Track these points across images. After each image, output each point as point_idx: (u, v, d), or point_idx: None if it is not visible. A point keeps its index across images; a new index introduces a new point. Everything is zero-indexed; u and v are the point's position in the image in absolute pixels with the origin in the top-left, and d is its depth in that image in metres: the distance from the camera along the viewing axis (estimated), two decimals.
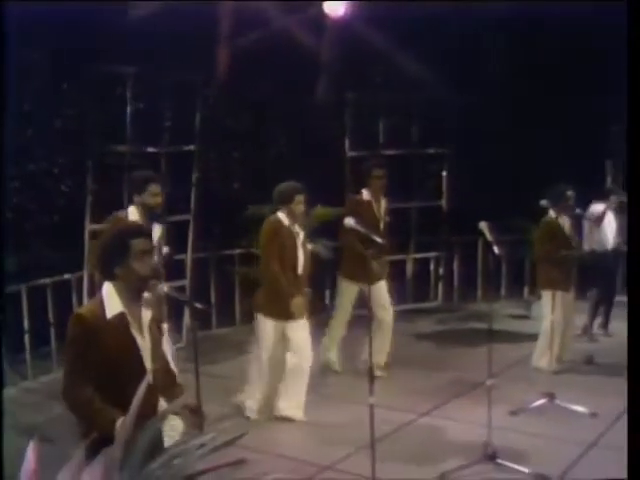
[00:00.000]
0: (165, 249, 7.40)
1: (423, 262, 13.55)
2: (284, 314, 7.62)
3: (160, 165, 10.52)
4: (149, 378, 4.24)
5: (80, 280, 9.68)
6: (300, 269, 7.75)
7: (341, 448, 7.02)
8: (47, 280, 9.41)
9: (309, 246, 8.02)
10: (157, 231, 7.13)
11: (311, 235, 10.99)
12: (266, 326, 7.74)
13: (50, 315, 9.30)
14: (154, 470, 2.61)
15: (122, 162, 10.22)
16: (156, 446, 2.76)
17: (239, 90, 13.51)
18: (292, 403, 7.82)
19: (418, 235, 13.36)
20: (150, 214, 7.20)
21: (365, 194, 9.27)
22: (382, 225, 9.34)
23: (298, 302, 7.61)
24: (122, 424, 2.67)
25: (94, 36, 10.39)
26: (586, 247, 10.65)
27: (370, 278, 8.91)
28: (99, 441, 2.89)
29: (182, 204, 11.13)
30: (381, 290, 9.25)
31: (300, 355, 7.76)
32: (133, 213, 7.24)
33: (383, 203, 9.45)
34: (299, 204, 7.60)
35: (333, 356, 9.48)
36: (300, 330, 7.77)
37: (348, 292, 9.34)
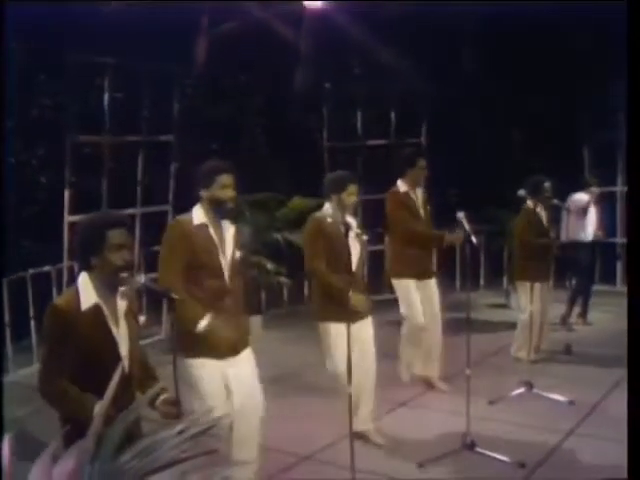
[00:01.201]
0: (237, 254, 6.05)
1: None
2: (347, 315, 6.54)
3: (138, 155, 10.53)
4: (125, 368, 4.25)
5: (60, 272, 9.67)
6: (354, 265, 6.97)
7: (320, 438, 7.05)
8: (27, 272, 9.39)
9: (364, 237, 7.13)
10: (229, 230, 6.03)
11: (288, 225, 11.06)
12: (336, 331, 6.94)
13: (30, 308, 9.28)
14: (126, 462, 2.61)
15: (101, 153, 10.21)
16: (131, 437, 2.76)
17: (217, 80, 13.50)
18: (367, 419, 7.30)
19: None
20: (220, 210, 5.92)
21: (401, 185, 8.72)
22: (423, 215, 8.83)
23: (359, 298, 6.87)
24: (96, 415, 2.67)
25: (73, 27, 10.35)
26: (564, 238, 10.71)
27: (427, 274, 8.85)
28: (73, 432, 2.89)
29: (161, 195, 11.13)
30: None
31: (368, 356, 7.22)
32: (198, 212, 5.97)
33: (420, 194, 8.85)
34: (352, 195, 7.04)
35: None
36: (366, 329, 7.21)
37: (411, 291, 8.77)
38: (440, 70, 13.55)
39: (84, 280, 4.26)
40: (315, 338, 9.41)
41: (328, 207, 7.10)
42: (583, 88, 13.38)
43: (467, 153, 14.37)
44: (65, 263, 9.62)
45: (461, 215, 7.03)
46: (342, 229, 6.73)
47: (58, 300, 4.37)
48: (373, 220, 12.59)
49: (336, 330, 6.85)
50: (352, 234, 6.74)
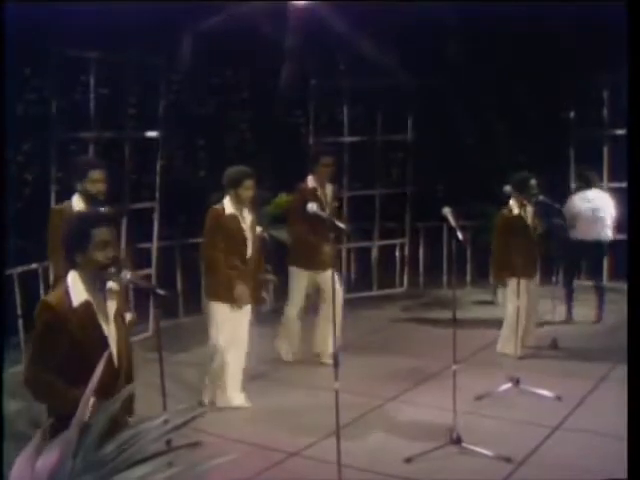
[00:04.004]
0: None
1: (388, 249, 13.59)
2: (230, 299, 7.72)
3: (124, 151, 10.50)
4: (114, 363, 4.25)
5: (47, 270, 9.61)
6: (248, 254, 7.84)
7: (307, 435, 7.04)
8: (14, 270, 9.33)
9: (259, 230, 8.16)
10: None
11: (273, 222, 11.08)
12: (218, 311, 7.78)
13: (18, 305, 9.23)
14: (108, 454, 2.62)
15: (87, 148, 10.16)
16: (112, 429, 2.77)
17: (204, 77, 13.49)
18: (236, 391, 7.94)
19: (383, 221, 13.40)
20: (93, 202, 6.87)
21: (310, 181, 9.22)
22: (328, 212, 9.20)
23: (241, 290, 7.68)
24: (79, 407, 2.67)
25: (59, 22, 10.30)
26: (584, 236, 11.03)
27: (323, 265, 9.00)
28: (58, 425, 2.89)
29: (147, 191, 11.11)
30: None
31: (238, 343, 7.89)
32: (77, 202, 7.09)
33: (329, 190, 9.39)
34: (247, 189, 7.68)
35: (285, 345, 9.48)
36: (240, 317, 7.88)
37: (299, 280, 9.34)
38: (427, 66, 13.54)
39: (73, 277, 4.27)
40: (301, 335, 9.47)
41: (227, 200, 7.74)
42: (569, 84, 13.39)
43: (454, 149, 14.39)
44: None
45: (447, 210, 7.03)
46: (239, 221, 7.71)
47: (48, 297, 4.39)
48: (358, 216, 12.61)
49: (222, 311, 7.73)
50: (247, 226, 7.78)
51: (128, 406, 4.24)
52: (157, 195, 10.92)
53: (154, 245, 10.92)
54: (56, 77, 9.89)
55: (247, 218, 7.86)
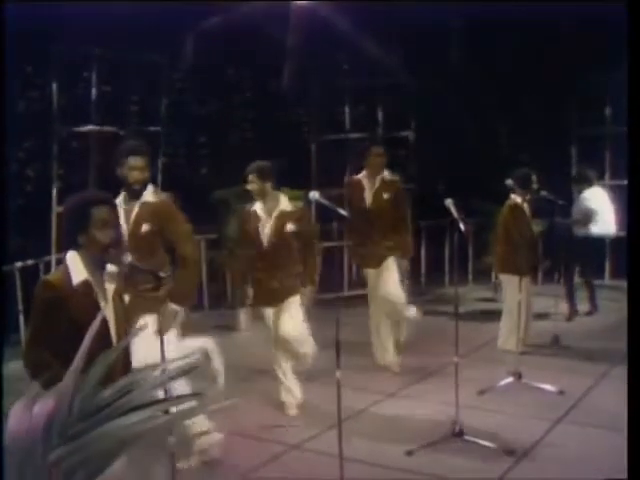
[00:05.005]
0: (145, 227, 6.19)
1: None
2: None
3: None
4: (112, 344, 4.24)
5: (48, 265, 9.62)
6: (263, 249, 7.47)
7: (308, 427, 7.04)
8: (15, 265, 9.33)
9: (290, 226, 7.52)
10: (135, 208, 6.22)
11: None
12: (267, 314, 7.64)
13: (19, 301, 9.22)
14: (106, 399, 2.62)
15: (88, 145, 10.18)
16: (110, 377, 2.78)
17: (206, 75, 13.51)
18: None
19: None
20: (131, 192, 6.18)
21: (362, 174, 8.98)
22: (370, 203, 8.89)
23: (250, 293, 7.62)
24: (74, 361, 2.67)
25: (58, 20, 10.33)
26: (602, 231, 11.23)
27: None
28: (55, 378, 2.90)
29: None
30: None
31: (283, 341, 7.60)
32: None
33: (378, 181, 8.91)
34: (251, 183, 7.42)
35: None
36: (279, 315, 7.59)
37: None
38: (428, 65, 13.55)
39: (73, 257, 4.28)
40: None
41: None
42: (569, 82, 13.42)
43: (455, 147, 14.39)
44: (53, 256, 9.57)
45: (449, 202, 7.01)
46: (255, 216, 7.48)
47: (48, 276, 4.42)
48: None
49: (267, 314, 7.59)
50: (262, 219, 7.44)
51: (125, 362, 4.24)
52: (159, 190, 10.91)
53: None
54: (58, 74, 9.90)
55: (270, 214, 7.48)
